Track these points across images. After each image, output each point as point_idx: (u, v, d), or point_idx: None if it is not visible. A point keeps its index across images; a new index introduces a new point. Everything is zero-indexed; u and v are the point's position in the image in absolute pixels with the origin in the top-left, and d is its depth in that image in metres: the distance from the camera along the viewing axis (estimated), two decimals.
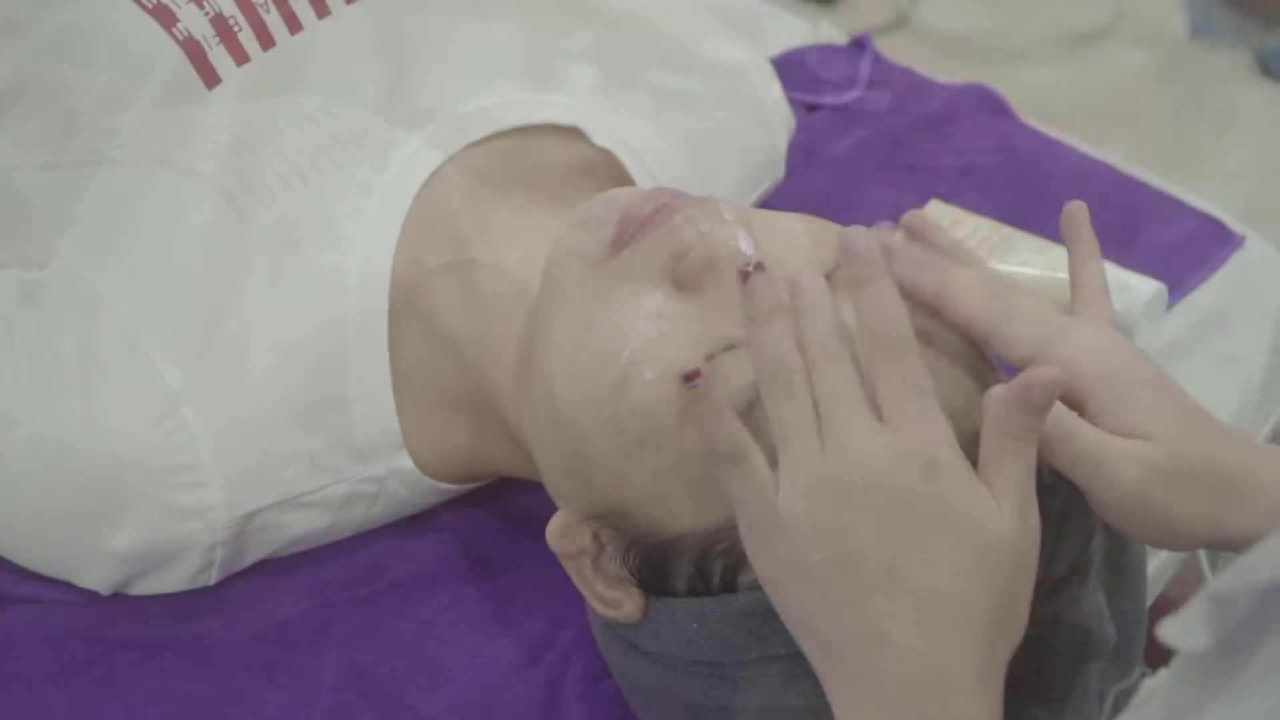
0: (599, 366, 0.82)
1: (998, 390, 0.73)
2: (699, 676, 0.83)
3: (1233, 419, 1.18)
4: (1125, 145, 1.36)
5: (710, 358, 0.79)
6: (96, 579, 0.96)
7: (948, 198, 1.26)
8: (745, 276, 0.76)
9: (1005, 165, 1.29)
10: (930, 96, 1.37)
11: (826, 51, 1.39)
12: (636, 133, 1.08)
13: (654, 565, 0.83)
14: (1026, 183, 1.27)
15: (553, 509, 1.05)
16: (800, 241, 0.85)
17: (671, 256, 0.83)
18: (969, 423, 0.77)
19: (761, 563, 0.74)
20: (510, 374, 0.93)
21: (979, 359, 0.81)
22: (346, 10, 1.00)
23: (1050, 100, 1.41)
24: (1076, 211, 0.86)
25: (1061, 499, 0.80)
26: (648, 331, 0.81)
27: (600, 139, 1.05)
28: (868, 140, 1.30)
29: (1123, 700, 0.88)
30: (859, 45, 1.41)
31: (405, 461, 0.99)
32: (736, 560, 0.79)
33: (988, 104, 1.39)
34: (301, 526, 0.98)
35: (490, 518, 1.06)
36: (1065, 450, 0.77)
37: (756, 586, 0.78)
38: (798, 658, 0.79)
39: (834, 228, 0.87)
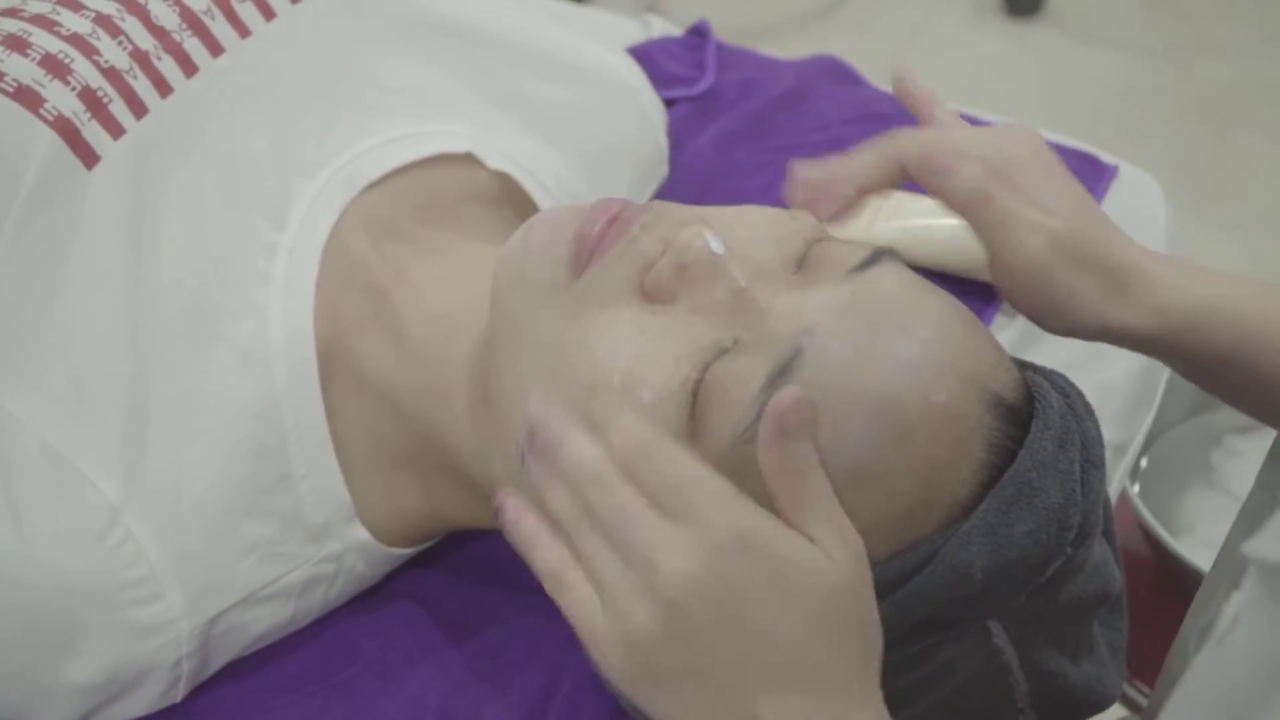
0: (589, 396, 0.77)
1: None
2: None
3: None
4: None
5: (706, 367, 0.75)
6: (55, 718, 0.87)
7: None
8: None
9: (872, 132, 1.26)
10: (780, 74, 1.34)
11: (668, 45, 1.36)
12: (528, 151, 1.04)
13: None
14: None
15: (507, 552, 0.99)
16: (762, 234, 0.82)
17: (637, 270, 0.79)
18: (980, 383, 0.76)
19: (614, 679, 0.69)
20: (465, 419, 0.88)
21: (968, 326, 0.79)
22: (214, 64, 0.93)
23: None
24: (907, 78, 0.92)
25: (1079, 449, 0.79)
26: (634, 352, 0.76)
27: (494, 162, 1.01)
28: (731, 127, 1.27)
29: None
30: (698, 33, 1.38)
31: (360, 533, 0.93)
32: None
33: (838, 74, 1.37)
34: (265, 622, 0.91)
35: (445, 574, 1.00)
36: (984, 214, 0.82)
37: None
38: None
39: (789, 213, 0.84)
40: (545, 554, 0.71)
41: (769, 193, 1.24)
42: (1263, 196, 2.50)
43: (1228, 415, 1.37)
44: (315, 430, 0.91)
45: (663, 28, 1.41)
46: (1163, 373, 1.21)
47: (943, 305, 0.79)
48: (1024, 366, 0.84)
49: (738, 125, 1.28)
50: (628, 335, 0.77)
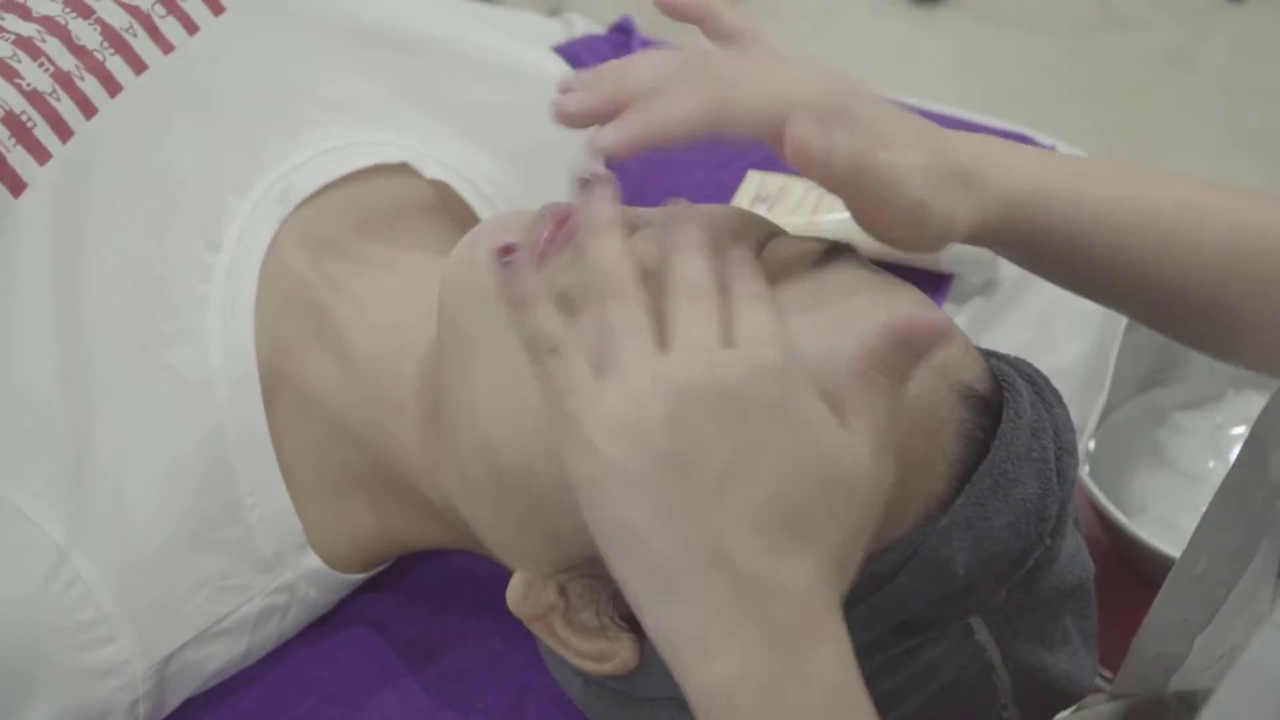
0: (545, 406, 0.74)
1: (879, 324, 0.66)
2: None
3: (1097, 323, 1.18)
4: None
5: None
6: None
7: (762, 166, 1.22)
8: (584, 185, 0.72)
9: None
10: None
11: (592, 43, 1.33)
12: (464, 159, 1.01)
13: None
14: None
15: (461, 572, 0.97)
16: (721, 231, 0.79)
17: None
18: (951, 374, 0.75)
19: (579, 470, 0.65)
20: (416, 437, 0.85)
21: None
22: (139, 82, 0.90)
23: None
24: None
25: (1052, 437, 0.78)
26: None
27: (431, 171, 0.98)
28: None
29: None
30: (622, 30, 1.36)
31: (312, 561, 0.90)
32: None
33: None
34: (220, 659, 0.88)
35: (398, 598, 0.97)
36: (862, 178, 0.75)
37: None
38: None
39: (740, 211, 0.83)
40: (543, 318, 0.67)
41: (707, 188, 1.22)
42: (1180, 170, 2.51)
43: (1173, 392, 1.36)
44: (262, 457, 0.88)
45: (585, 26, 1.38)
46: (1111, 352, 1.20)
47: (906, 297, 0.77)
48: (988, 355, 0.83)
49: None
50: None
